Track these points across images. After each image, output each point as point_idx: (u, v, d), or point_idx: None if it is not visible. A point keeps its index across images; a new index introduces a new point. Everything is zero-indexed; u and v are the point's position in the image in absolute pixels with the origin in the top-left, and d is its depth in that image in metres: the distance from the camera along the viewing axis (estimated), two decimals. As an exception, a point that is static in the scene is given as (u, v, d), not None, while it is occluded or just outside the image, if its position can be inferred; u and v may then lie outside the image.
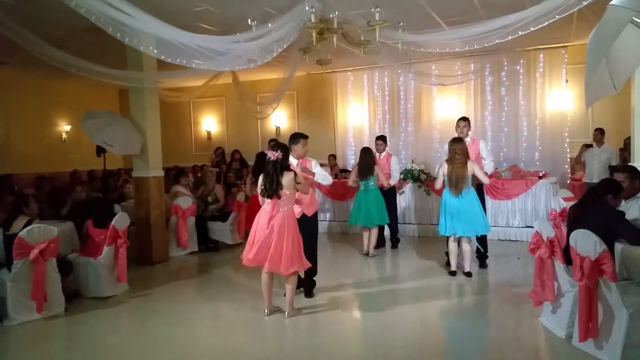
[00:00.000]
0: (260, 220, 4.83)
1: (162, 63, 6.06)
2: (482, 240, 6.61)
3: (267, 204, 4.84)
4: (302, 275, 5.54)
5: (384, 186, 7.55)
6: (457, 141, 6.15)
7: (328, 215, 9.94)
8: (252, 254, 4.72)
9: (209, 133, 13.59)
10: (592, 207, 4.19)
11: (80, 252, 6.00)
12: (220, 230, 8.49)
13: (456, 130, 6.62)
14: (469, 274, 6.32)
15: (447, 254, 6.79)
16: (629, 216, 4.31)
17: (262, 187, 4.81)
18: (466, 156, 6.09)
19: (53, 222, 6.02)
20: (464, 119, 6.66)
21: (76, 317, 5.24)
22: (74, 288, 5.79)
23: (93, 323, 5.07)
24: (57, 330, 4.98)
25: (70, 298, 5.55)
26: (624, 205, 4.65)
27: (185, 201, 8.15)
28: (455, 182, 6.03)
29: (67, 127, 12.43)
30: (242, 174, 10.85)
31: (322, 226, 9.70)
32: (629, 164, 5.82)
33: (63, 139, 12.40)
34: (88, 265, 5.77)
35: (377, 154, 7.91)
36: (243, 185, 9.41)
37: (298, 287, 5.39)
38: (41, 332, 4.88)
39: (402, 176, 9.06)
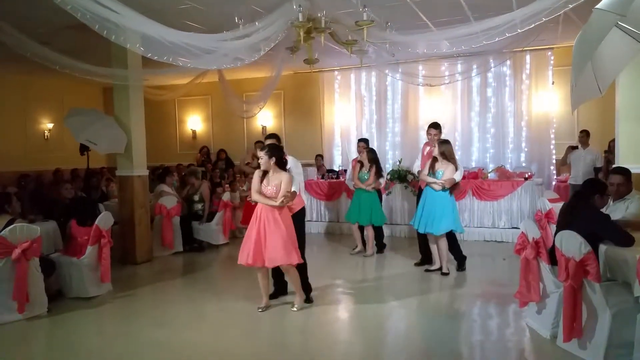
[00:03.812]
0: None
1: (147, 60, 6.00)
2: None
3: None
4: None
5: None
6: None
7: (314, 215, 9.90)
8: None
9: (194, 132, 13.48)
10: (580, 210, 4.21)
11: (63, 252, 5.91)
12: (206, 230, 8.43)
13: (428, 137, 6.70)
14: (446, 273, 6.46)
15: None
16: (614, 217, 4.35)
17: None
18: None
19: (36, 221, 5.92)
20: (437, 127, 6.66)
21: (59, 317, 5.16)
22: (56, 288, 5.69)
23: (76, 324, 5.00)
24: (39, 331, 4.90)
25: (53, 298, 5.45)
26: (611, 206, 4.70)
27: (170, 200, 8.08)
28: None
29: (50, 125, 12.22)
30: (227, 173, 10.77)
31: (308, 226, 9.65)
32: (614, 165, 5.88)
33: (46, 137, 12.19)
34: (71, 265, 5.68)
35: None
36: (227, 186, 9.34)
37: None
38: (23, 333, 4.79)
39: (389, 177, 9.07)
